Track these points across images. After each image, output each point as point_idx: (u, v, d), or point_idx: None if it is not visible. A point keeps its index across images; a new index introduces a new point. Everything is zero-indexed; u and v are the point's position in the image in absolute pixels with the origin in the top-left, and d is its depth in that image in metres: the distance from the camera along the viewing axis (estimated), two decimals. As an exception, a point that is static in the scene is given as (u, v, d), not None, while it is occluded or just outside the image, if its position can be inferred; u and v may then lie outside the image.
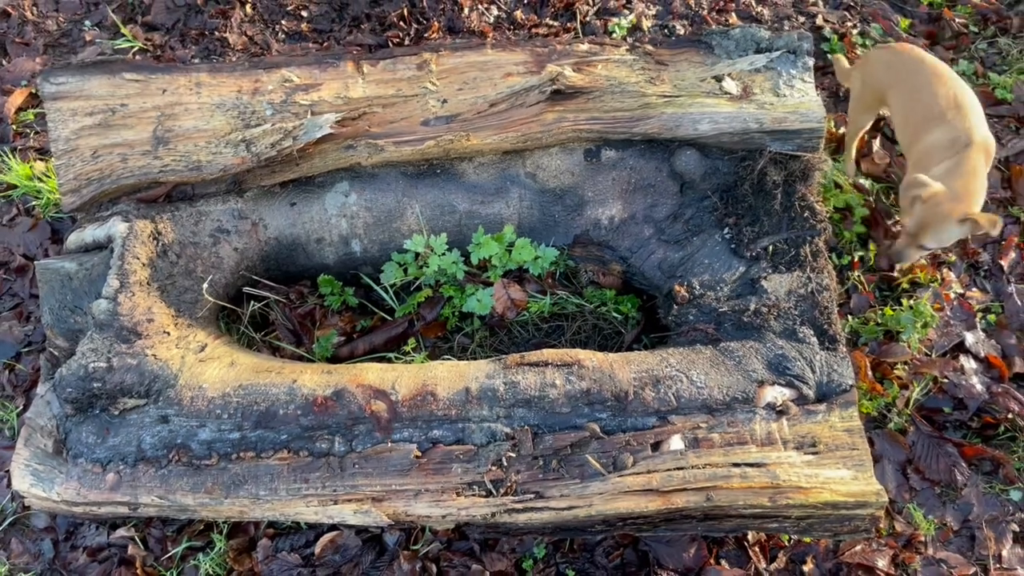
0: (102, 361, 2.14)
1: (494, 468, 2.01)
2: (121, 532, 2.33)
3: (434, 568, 2.27)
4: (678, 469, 1.98)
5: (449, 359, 2.47)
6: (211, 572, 2.28)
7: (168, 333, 2.25)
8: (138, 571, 2.25)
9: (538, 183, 2.49)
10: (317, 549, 2.28)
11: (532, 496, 1.99)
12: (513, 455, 2.02)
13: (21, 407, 2.57)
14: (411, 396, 2.09)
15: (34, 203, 2.98)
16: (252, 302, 2.57)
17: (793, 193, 2.39)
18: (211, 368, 2.21)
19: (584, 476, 2.00)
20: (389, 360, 2.54)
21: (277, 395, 2.13)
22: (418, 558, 2.27)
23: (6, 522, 2.41)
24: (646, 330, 2.61)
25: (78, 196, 2.41)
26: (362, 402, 2.08)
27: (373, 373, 2.17)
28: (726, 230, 2.41)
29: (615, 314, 2.58)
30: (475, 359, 2.48)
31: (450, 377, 2.14)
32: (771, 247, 2.34)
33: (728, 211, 2.42)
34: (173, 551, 2.30)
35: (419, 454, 2.04)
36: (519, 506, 1.98)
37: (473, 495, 2.00)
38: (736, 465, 1.98)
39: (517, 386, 2.08)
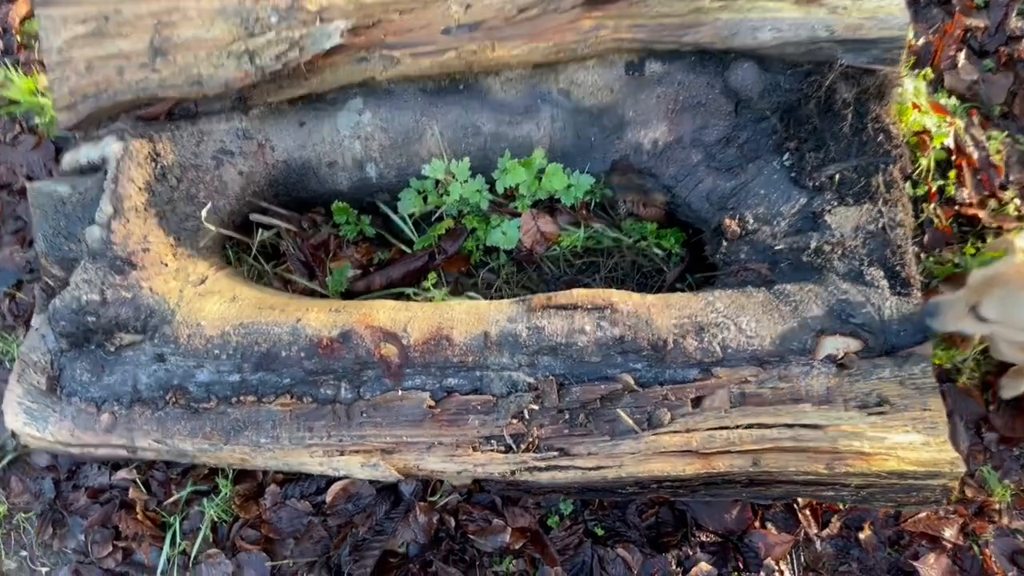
0: (95, 293, 1.99)
1: (515, 421, 1.82)
2: (123, 474, 2.21)
3: (452, 521, 2.12)
4: (722, 429, 1.76)
5: (474, 296, 2.26)
6: (216, 519, 2.15)
7: (166, 264, 2.07)
8: (139, 516, 2.13)
9: (572, 101, 2.21)
10: (329, 497, 2.14)
11: (556, 454, 1.80)
12: (536, 407, 1.82)
13: (22, 338, 2.44)
14: (424, 340, 1.89)
15: (37, 120, 2.80)
16: (261, 231, 2.37)
17: (866, 114, 2.07)
18: (211, 303, 2.04)
19: (615, 433, 1.80)
20: (407, 296, 2.33)
21: (280, 335, 1.95)
22: (435, 510, 2.12)
23: (6, 459, 2.30)
24: (691, 268, 2.36)
25: (74, 113, 2.21)
26: (371, 345, 1.89)
27: (384, 313, 1.97)
28: (786, 156, 2.12)
29: (656, 250, 2.33)
30: (501, 297, 2.27)
31: (468, 319, 1.93)
32: (837, 176, 2.05)
33: (789, 134, 2.13)
34: (177, 495, 2.17)
35: (432, 404, 1.85)
36: (541, 464, 1.80)
37: (491, 450, 1.82)
38: (788, 426, 1.75)
39: (542, 331, 1.86)
